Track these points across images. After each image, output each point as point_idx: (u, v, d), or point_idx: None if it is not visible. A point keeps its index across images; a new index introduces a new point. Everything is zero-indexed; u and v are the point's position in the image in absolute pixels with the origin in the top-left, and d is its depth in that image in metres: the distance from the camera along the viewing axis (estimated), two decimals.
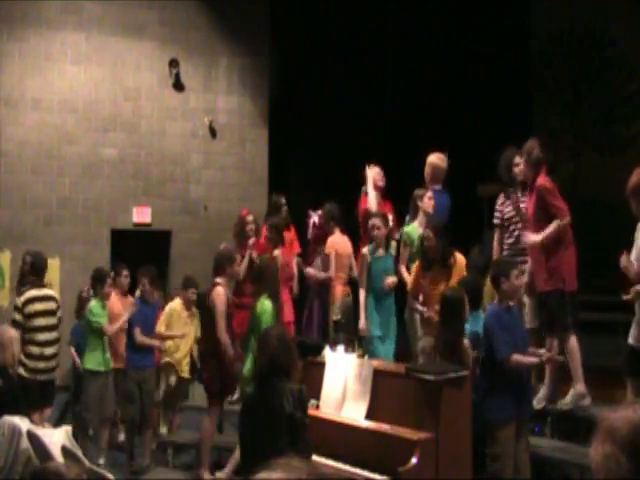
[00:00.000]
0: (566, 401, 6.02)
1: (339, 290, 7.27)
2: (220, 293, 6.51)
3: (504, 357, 5.02)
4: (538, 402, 6.15)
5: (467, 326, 5.69)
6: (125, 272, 7.72)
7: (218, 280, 6.64)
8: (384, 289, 6.69)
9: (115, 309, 7.48)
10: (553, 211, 5.86)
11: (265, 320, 6.22)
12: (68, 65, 10.60)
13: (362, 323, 6.73)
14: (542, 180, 5.94)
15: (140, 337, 7.17)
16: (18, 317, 6.88)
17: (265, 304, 6.35)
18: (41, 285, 7.16)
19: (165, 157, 11.06)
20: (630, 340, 5.18)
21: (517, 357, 5.03)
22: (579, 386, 5.96)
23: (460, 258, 6.38)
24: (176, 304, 7.84)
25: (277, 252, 7.33)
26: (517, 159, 6.51)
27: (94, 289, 7.48)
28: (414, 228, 6.82)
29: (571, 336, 5.92)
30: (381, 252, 6.79)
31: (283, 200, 8.19)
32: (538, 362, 5.21)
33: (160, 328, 7.58)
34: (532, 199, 6.01)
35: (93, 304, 7.30)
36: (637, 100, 13.73)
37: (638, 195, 4.94)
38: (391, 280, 6.69)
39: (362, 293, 6.80)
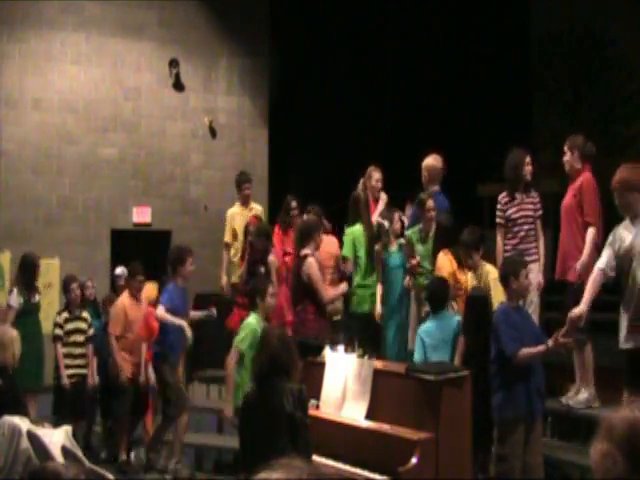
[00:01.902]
0: (580, 400, 6.02)
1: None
2: (312, 263, 6.49)
3: (511, 353, 5.02)
4: (567, 399, 6.17)
5: (431, 324, 5.78)
6: (140, 276, 7.36)
7: (306, 252, 6.57)
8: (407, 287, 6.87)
9: (130, 316, 7.28)
10: (585, 209, 5.95)
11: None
12: (68, 65, 10.61)
13: (378, 309, 6.94)
14: (590, 176, 6.08)
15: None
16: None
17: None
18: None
19: (165, 157, 11.07)
20: (627, 345, 5.14)
21: (524, 350, 5.01)
22: (592, 389, 6.00)
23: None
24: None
25: (271, 257, 7.34)
26: (528, 159, 6.53)
27: (252, 304, 6.12)
28: (416, 232, 6.90)
29: (588, 340, 5.97)
30: (394, 247, 7.01)
31: (294, 204, 8.29)
32: (545, 349, 5.12)
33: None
34: (573, 189, 6.10)
35: (255, 323, 5.89)
36: (637, 100, 13.69)
37: (623, 190, 4.95)
38: (407, 281, 6.81)
39: (379, 285, 7.03)
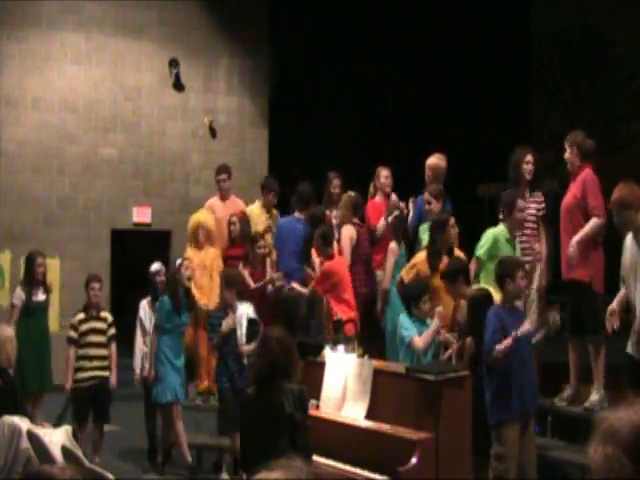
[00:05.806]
0: (594, 401, 6.01)
1: None
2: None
3: (485, 351, 5.05)
4: (560, 400, 6.18)
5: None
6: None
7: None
8: None
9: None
10: (591, 206, 5.90)
11: None
12: (68, 65, 10.59)
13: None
14: (591, 172, 6.04)
15: None
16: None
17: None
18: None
19: (165, 157, 11.06)
20: (629, 349, 5.17)
21: (497, 347, 4.98)
22: (602, 388, 6.01)
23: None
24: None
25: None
26: (529, 157, 6.53)
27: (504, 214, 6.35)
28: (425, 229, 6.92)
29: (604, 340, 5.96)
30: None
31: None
32: (514, 337, 5.03)
33: None
34: (573, 187, 6.07)
35: (498, 232, 6.32)
36: (637, 100, 13.71)
37: (620, 208, 4.96)
38: None
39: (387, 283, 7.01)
